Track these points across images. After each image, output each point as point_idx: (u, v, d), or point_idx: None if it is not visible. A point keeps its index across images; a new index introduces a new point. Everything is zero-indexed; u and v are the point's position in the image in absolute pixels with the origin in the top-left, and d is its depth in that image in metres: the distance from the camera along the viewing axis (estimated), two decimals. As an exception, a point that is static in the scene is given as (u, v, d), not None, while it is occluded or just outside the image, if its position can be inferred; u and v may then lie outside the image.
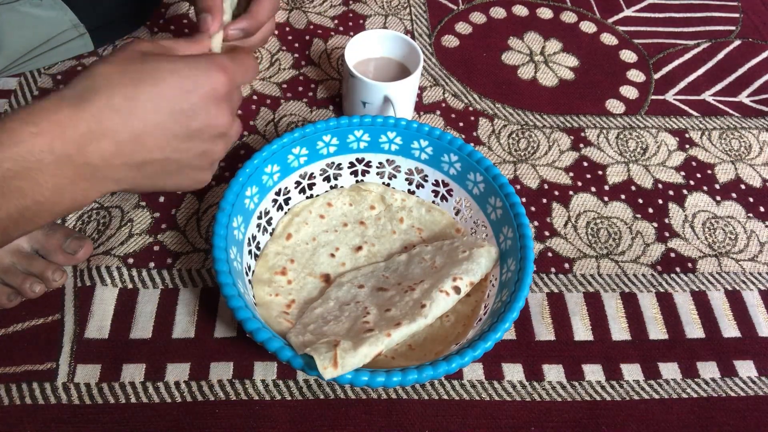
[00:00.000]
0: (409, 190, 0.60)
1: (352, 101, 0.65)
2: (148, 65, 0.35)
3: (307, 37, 0.78)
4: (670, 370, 0.54)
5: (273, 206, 0.56)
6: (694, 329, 0.57)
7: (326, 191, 0.60)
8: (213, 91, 0.37)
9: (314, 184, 0.59)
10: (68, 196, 0.33)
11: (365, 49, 0.66)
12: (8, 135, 0.31)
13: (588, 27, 0.85)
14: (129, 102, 0.34)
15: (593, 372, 0.53)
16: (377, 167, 0.60)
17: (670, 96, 0.77)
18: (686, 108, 0.76)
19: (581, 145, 0.70)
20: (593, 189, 0.66)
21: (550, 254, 0.60)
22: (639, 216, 0.64)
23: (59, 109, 0.32)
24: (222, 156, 0.41)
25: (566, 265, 0.60)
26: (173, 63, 0.36)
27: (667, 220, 0.64)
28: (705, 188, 0.68)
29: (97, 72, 0.34)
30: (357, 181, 0.60)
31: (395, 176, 0.60)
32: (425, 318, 0.45)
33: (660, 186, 0.67)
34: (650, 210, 0.65)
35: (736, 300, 0.59)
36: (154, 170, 0.37)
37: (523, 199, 0.64)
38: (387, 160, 0.59)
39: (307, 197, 0.59)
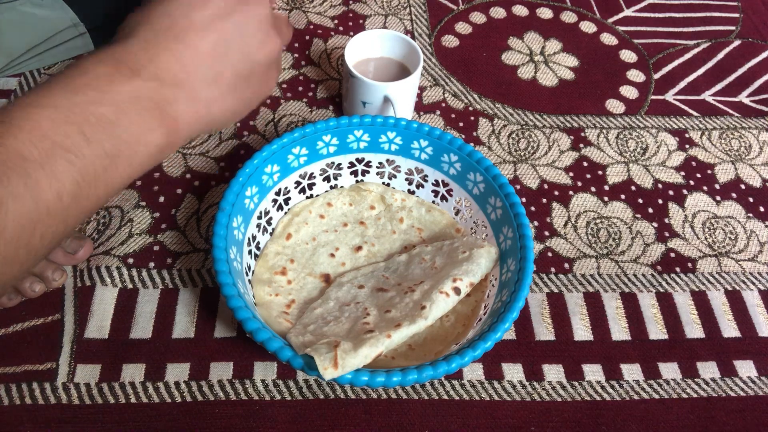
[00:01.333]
0: (409, 190, 0.60)
1: (352, 101, 0.65)
2: None
3: (307, 37, 0.78)
4: (670, 370, 0.54)
5: (273, 206, 0.56)
6: (694, 329, 0.57)
7: (326, 191, 0.60)
8: (256, 18, 0.37)
9: (314, 184, 0.59)
10: (158, 124, 0.33)
11: (365, 49, 0.66)
12: (79, 69, 0.31)
13: (588, 27, 0.85)
14: (168, 21, 0.34)
15: (593, 372, 0.53)
16: (377, 167, 0.60)
17: (670, 96, 0.77)
18: (686, 108, 0.76)
19: (581, 145, 0.70)
20: (593, 189, 0.66)
21: (550, 254, 0.60)
22: (639, 216, 0.64)
23: (113, 48, 0.32)
24: (279, 47, 0.40)
25: (566, 265, 0.60)
26: None
27: (667, 220, 0.64)
28: (705, 188, 0.68)
29: (131, 15, 0.34)
30: (357, 181, 0.60)
31: (395, 176, 0.60)
32: (425, 319, 0.45)
33: (660, 186, 0.67)
34: (650, 210, 0.65)
35: (736, 300, 0.59)
36: (230, 79, 0.36)
37: (523, 199, 0.64)
38: (387, 160, 0.59)
39: (307, 197, 0.59)
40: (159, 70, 0.33)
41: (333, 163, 0.58)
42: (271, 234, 0.56)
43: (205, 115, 0.36)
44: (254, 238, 0.53)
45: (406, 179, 0.60)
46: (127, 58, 0.32)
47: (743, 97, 0.78)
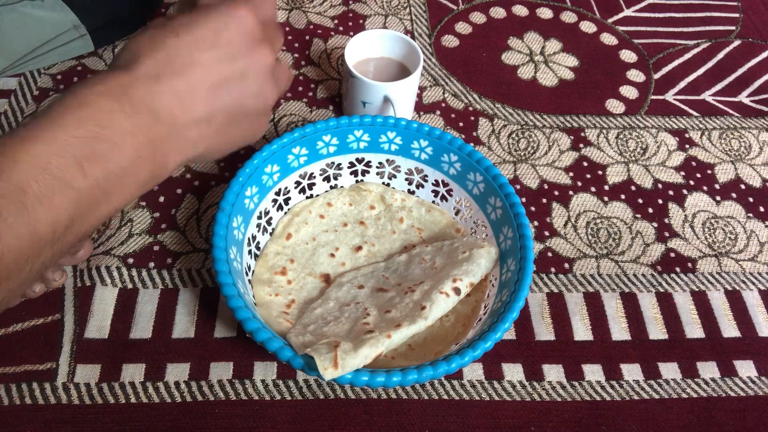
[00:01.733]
0: (409, 190, 0.60)
1: (352, 101, 0.65)
2: (179, 20, 0.35)
3: (307, 37, 0.78)
4: (670, 370, 0.54)
5: (273, 206, 0.56)
6: (694, 329, 0.57)
7: (326, 191, 0.60)
8: (242, 25, 0.36)
9: (314, 184, 0.59)
10: (149, 160, 0.33)
11: (365, 49, 0.66)
12: (79, 99, 0.31)
13: (588, 27, 0.85)
14: (173, 55, 0.34)
15: (593, 372, 0.53)
16: (377, 167, 0.60)
17: (670, 96, 0.77)
18: (686, 108, 0.76)
19: (581, 145, 0.70)
20: (593, 189, 0.66)
21: (550, 254, 0.60)
22: (639, 216, 0.64)
23: (115, 76, 0.33)
24: (275, 97, 0.40)
25: (566, 265, 0.60)
26: (198, 12, 0.36)
27: (667, 220, 0.64)
28: (705, 188, 0.68)
29: (134, 42, 0.35)
30: (357, 181, 0.60)
31: (395, 176, 0.60)
32: (425, 320, 0.45)
33: (660, 186, 0.67)
34: (650, 210, 0.65)
35: (736, 300, 0.59)
36: (221, 121, 0.37)
37: (523, 199, 0.64)
38: (387, 160, 0.59)
39: (307, 197, 0.59)
40: (157, 106, 0.33)
41: (333, 163, 0.58)
42: (271, 234, 0.56)
43: (190, 153, 0.36)
44: (254, 238, 0.53)
45: (406, 179, 0.60)
46: (128, 92, 0.32)
47: (743, 97, 0.78)
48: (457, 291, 0.47)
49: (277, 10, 0.41)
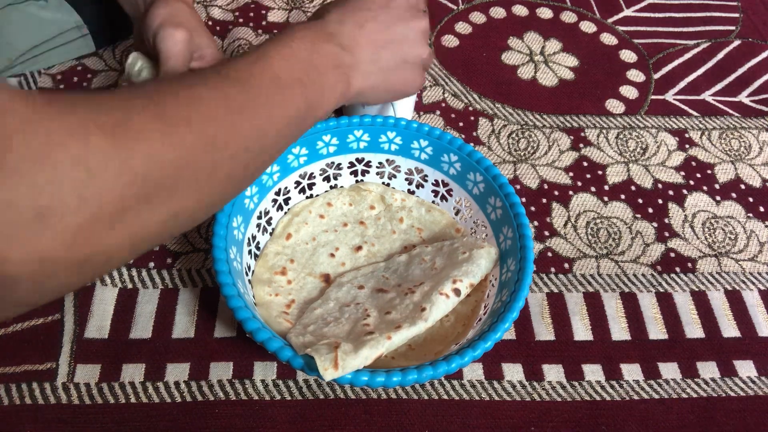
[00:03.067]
0: (409, 190, 0.60)
1: (352, 101, 0.65)
2: None
3: (307, 37, 0.78)
4: (670, 370, 0.54)
5: (273, 206, 0.56)
6: (693, 329, 0.57)
7: (326, 191, 0.60)
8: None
9: (314, 184, 0.59)
10: (339, 81, 0.43)
11: (365, 49, 0.66)
12: (291, 36, 0.41)
13: (588, 27, 0.85)
14: (356, 8, 0.45)
15: (593, 372, 0.53)
16: (377, 167, 0.60)
17: (669, 96, 0.77)
18: (686, 108, 0.76)
19: (581, 145, 0.70)
20: (593, 189, 0.66)
21: (549, 254, 0.60)
22: (639, 216, 0.64)
23: (311, 25, 0.43)
24: (427, 56, 0.49)
25: (566, 265, 0.60)
26: None
27: (667, 220, 0.64)
28: (705, 188, 0.68)
29: (323, 8, 0.46)
30: (357, 181, 0.60)
31: (395, 176, 0.60)
32: (425, 321, 0.45)
33: (660, 186, 0.67)
34: (650, 210, 0.65)
35: (735, 300, 0.59)
36: (385, 65, 0.46)
37: (523, 199, 0.64)
38: (387, 160, 0.59)
39: (307, 197, 0.59)
40: (343, 42, 0.43)
41: (333, 162, 0.58)
42: (271, 234, 0.56)
43: (366, 82, 0.45)
44: (254, 238, 0.53)
45: (406, 179, 0.60)
46: (324, 28, 0.43)
47: (743, 97, 0.78)
48: (457, 292, 0.47)
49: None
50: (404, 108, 0.65)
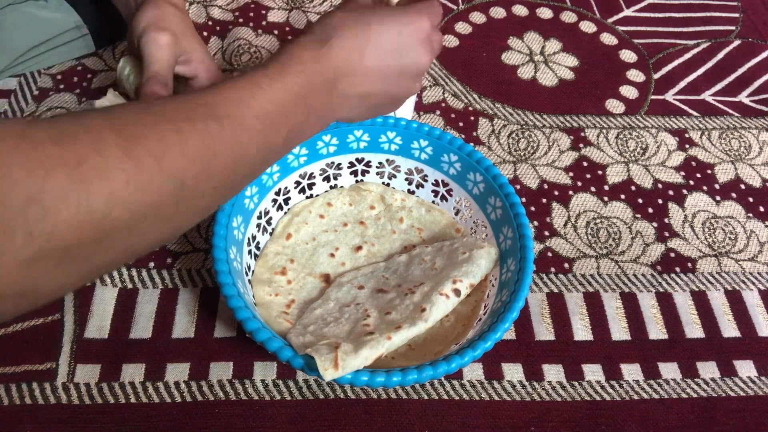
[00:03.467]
0: (408, 190, 0.60)
1: (352, 101, 0.65)
2: (373, 12, 0.42)
3: (307, 37, 0.78)
4: (669, 370, 0.54)
5: (273, 206, 0.56)
6: (693, 329, 0.57)
7: (326, 191, 0.60)
8: (420, 31, 0.43)
9: (314, 184, 0.59)
10: (323, 116, 0.41)
11: (365, 49, 0.66)
12: (288, 65, 0.38)
13: (588, 27, 0.85)
14: (361, 41, 0.40)
15: (593, 372, 0.53)
16: (377, 167, 0.60)
17: (669, 96, 0.77)
18: (686, 108, 0.76)
19: (581, 145, 0.70)
20: (593, 189, 0.66)
21: (549, 254, 0.60)
22: (639, 216, 0.64)
23: (313, 47, 0.39)
24: (418, 89, 0.47)
25: (566, 265, 0.60)
26: (391, 10, 0.43)
27: (666, 220, 0.64)
28: (705, 188, 0.68)
29: (333, 19, 0.40)
30: (357, 181, 0.60)
31: (395, 176, 0.60)
32: (425, 322, 0.45)
33: (660, 186, 0.67)
34: (650, 210, 0.65)
35: (735, 300, 0.59)
36: (373, 101, 0.43)
37: (523, 199, 0.64)
38: (387, 160, 0.59)
39: (307, 197, 0.59)
40: (335, 78, 0.40)
41: (333, 162, 0.58)
42: (270, 234, 0.56)
43: (344, 117, 0.43)
44: (254, 238, 0.53)
45: (406, 179, 0.60)
46: (327, 59, 0.39)
47: (743, 97, 0.78)
48: (457, 292, 0.47)
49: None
50: (404, 108, 0.65)
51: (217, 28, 0.77)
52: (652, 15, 0.88)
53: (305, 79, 0.38)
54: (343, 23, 0.40)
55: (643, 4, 0.89)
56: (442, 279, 0.48)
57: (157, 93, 0.48)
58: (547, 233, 0.62)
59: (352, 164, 0.59)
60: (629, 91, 0.77)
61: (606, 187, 0.66)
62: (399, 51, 0.42)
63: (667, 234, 0.63)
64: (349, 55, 0.40)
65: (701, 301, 0.59)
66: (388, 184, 0.60)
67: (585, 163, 0.68)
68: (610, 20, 0.86)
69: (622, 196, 0.66)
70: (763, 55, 0.83)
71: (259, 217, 0.54)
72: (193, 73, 0.54)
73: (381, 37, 0.41)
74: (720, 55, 0.83)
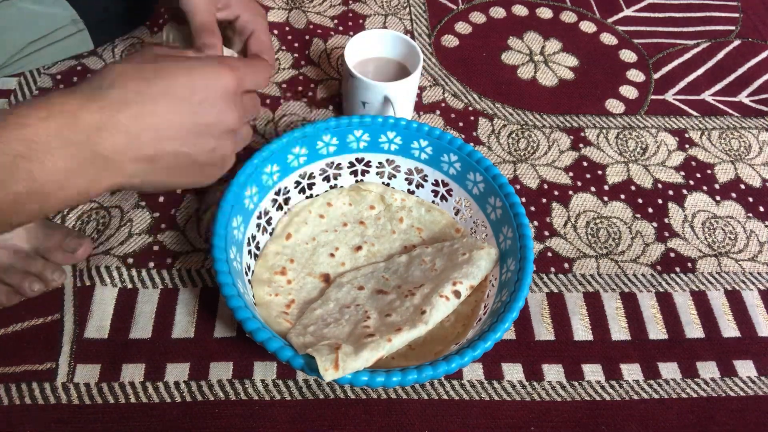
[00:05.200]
0: (408, 190, 0.60)
1: (351, 101, 0.65)
2: (162, 64, 0.37)
3: (307, 37, 0.78)
4: (669, 370, 0.54)
5: (272, 206, 0.56)
6: (693, 329, 0.57)
7: (326, 191, 0.60)
8: (222, 88, 0.38)
9: (314, 183, 0.59)
10: (75, 183, 0.34)
11: (365, 49, 0.66)
12: (17, 118, 0.31)
13: (588, 27, 0.85)
14: (141, 96, 0.35)
15: (593, 372, 0.53)
16: (377, 167, 0.60)
17: (669, 96, 0.77)
18: (686, 108, 0.76)
19: (581, 145, 0.70)
20: (593, 189, 0.66)
21: (549, 254, 0.60)
22: (639, 216, 0.64)
23: (71, 99, 0.33)
24: (232, 155, 0.42)
25: (566, 265, 0.60)
26: (185, 62, 0.37)
27: (666, 220, 0.64)
28: (705, 188, 0.68)
29: (112, 69, 0.35)
30: (357, 181, 0.60)
31: (395, 176, 0.60)
32: (425, 324, 0.45)
33: (660, 186, 0.67)
34: (650, 210, 0.65)
35: (735, 300, 0.59)
36: (165, 165, 0.37)
37: (523, 199, 0.64)
38: (387, 160, 0.59)
39: (307, 197, 0.59)
40: (101, 139, 0.34)
41: (333, 162, 0.58)
42: (270, 234, 0.56)
43: (124, 182, 0.36)
44: (254, 238, 0.53)
45: (406, 179, 0.60)
46: (78, 116, 0.33)
47: (743, 97, 0.78)
48: (457, 294, 0.47)
49: (268, 80, 0.44)
50: (404, 108, 0.65)
51: (217, 28, 0.77)
52: (652, 15, 0.88)
53: (31, 136, 0.31)
54: (122, 77, 0.35)
55: (643, 4, 0.89)
56: (442, 280, 0.48)
57: (211, 43, 0.48)
58: (547, 233, 0.62)
59: (352, 164, 0.59)
60: (629, 91, 0.77)
61: (606, 187, 0.66)
62: (192, 107, 0.37)
63: (667, 234, 0.63)
64: (121, 111, 0.34)
65: (701, 301, 0.59)
66: (388, 184, 0.60)
67: (585, 163, 0.68)
68: (610, 20, 0.86)
69: (622, 196, 0.66)
70: (763, 55, 0.83)
71: (259, 217, 0.54)
72: (234, 14, 0.54)
73: (168, 92, 0.36)
74: (720, 55, 0.83)
